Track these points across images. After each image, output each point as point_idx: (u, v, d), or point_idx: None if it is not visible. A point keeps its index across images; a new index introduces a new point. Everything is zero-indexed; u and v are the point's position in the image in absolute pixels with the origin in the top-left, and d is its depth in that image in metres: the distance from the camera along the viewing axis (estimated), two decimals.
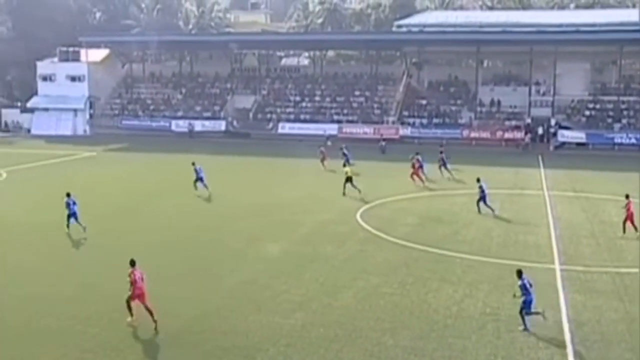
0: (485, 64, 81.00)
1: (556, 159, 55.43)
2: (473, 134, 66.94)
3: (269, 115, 74.71)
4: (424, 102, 72.63)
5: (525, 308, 18.67)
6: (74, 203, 29.16)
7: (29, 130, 77.11)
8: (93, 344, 17.88)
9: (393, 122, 70.60)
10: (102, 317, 19.59)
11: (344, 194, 38.02)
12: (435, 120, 69.99)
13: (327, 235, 29.42)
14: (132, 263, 19.33)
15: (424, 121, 70.10)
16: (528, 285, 18.71)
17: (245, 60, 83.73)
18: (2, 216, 33.40)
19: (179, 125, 74.32)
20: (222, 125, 73.84)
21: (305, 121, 72.80)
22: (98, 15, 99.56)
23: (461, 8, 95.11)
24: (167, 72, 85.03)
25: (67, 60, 79.32)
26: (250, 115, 76.01)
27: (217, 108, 77.30)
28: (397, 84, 75.71)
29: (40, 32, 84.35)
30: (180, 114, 76.87)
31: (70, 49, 79.30)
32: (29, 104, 79.60)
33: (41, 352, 17.40)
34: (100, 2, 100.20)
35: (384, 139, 61.41)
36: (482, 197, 33.27)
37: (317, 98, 76.36)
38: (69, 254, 26.87)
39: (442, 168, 44.73)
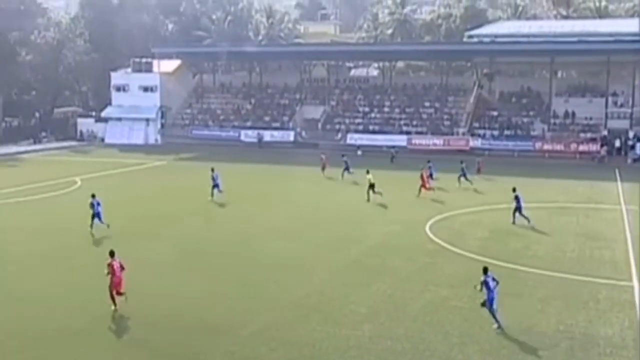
0: (559, 75, 79.39)
1: (634, 173, 53.70)
2: (546, 146, 65.55)
3: (337, 126, 74.96)
4: (495, 113, 71.61)
5: (488, 304, 19.37)
6: (98, 204, 31.51)
7: (102, 139, 79.33)
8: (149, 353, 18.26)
9: (463, 134, 69.84)
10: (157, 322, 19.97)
11: (368, 200, 39.40)
12: (506, 132, 68.87)
13: (395, 247, 29.26)
14: (112, 254, 21.14)
15: (495, 133, 69.08)
16: (491, 283, 19.40)
17: (314, 71, 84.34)
18: (74, 223, 34.47)
19: (248, 135, 75.27)
20: (290, 136, 74.54)
21: (374, 132, 72.74)
22: (170, 27, 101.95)
23: (535, 17, 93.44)
24: (237, 82, 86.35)
25: (140, 71, 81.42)
26: (319, 125, 76.39)
27: (285, 118, 78.01)
28: (467, 95, 74.91)
29: (115, 44, 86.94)
30: (249, 124, 77.86)
31: (143, 60, 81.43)
32: (103, 114, 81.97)
33: None
34: (173, 14, 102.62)
35: (394, 147, 63.21)
36: (518, 208, 33.36)
37: (386, 109, 76.23)
38: (143, 260, 27.47)
39: (462, 178, 45.10)
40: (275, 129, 76.40)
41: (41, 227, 33.36)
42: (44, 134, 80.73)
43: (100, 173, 53.09)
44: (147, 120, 79.87)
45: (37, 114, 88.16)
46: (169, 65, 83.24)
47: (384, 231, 32.49)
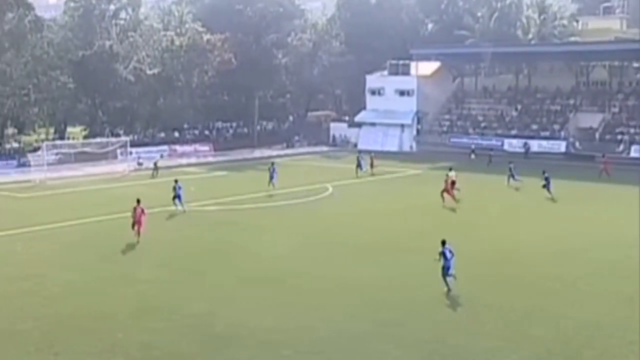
0: None
1: None
2: None
3: (619, 137, 70.83)
4: None
5: (444, 271, 24.33)
6: (180, 188, 40.32)
7: (355, 145, 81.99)
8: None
9: None
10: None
11: (453, 197, 43.59)
12: None
13: None
14: (138, 201, 32.69)
15: None
16: (448, 254, 24.31)
17: (592, 73, 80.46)
18: (326, 230, 36.01)
19: (513, 145, 73.86)
20: (562, 146, 72.04)
21: None
22: (430, 26, 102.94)
23: None
24: (501, 86, 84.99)
25: (396, 73, 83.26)
26: (597, 135, 72.74)
27: (556, 127, 75.37)
28: None
29: (371, 45, 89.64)
30: (514, 132, 76.42)
31: (400, 62, 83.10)
32: (356, 118, 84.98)
33: None
34: (433, 13, 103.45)
35: (491, 149, 68.97)
36: None
37: None
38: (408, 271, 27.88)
39: (546, 189, 46.64)
40: (544, 138, 74.20)
41: (294, 232, 35.62)
42: (296, 138, 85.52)
43: (352, 180, 54.81)
44: (402, 126, 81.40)
45: (290, 118, 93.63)
46: (428, 67, 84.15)
47: None
